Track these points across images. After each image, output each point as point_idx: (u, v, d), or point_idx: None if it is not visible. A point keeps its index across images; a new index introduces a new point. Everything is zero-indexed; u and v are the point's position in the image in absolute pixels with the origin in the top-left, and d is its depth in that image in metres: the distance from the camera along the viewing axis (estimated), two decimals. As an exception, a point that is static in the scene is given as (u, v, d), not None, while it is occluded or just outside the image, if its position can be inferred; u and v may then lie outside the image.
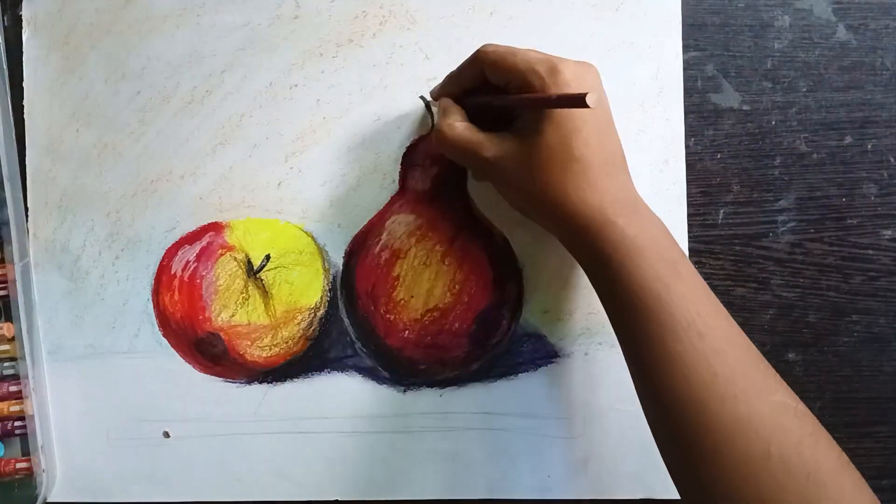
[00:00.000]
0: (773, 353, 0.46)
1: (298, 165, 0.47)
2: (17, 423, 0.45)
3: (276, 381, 0.47)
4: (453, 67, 0.46)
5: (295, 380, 0.47)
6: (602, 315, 0.46)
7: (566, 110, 0.36)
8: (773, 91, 0.47)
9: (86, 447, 0.47)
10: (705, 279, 0.46)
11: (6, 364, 0.46)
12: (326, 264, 0.46)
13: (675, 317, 0.35)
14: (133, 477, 0.47)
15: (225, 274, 0.46)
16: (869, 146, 0.47)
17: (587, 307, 0.46)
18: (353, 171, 0.47)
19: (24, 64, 0.47)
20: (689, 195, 0.46)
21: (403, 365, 0.46)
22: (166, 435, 0.47)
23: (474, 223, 0.46)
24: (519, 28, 0.46)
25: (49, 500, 0.46)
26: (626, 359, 0.38)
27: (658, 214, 0.46)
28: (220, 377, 0.47)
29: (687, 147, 0.46)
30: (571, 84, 0.36)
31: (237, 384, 0.47)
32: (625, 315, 0.37)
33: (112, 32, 0.47)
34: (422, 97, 0.46)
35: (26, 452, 0.45)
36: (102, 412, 0.47)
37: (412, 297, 0.45)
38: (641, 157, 0.46)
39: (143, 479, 0.47)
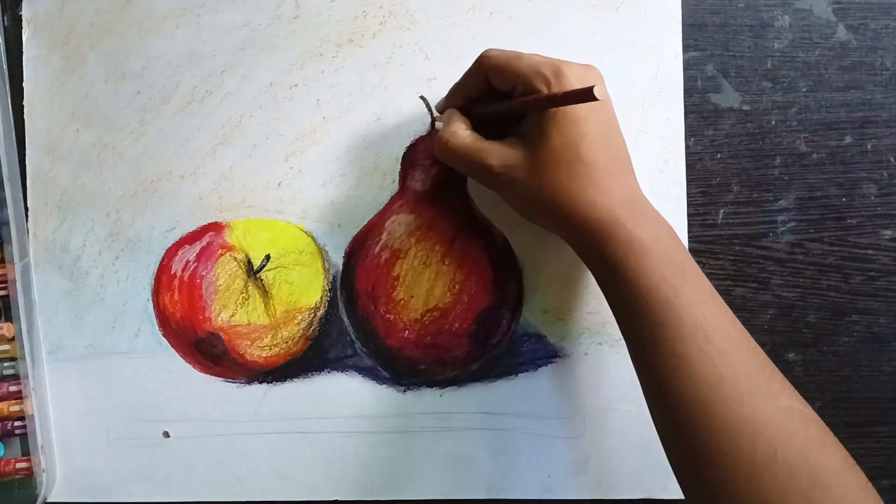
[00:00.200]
0: (773, 353, 0.46)
1: (298, 165, 0.47)
2: (17, 423, 0.45)
3: (276, 381, 0.47)
4: (453, 67, 0.46)
5: (295, 380, 0.47)
6: (602, 315, 0.46)
7: (571, 114, 0.36)
8: (773, 91, 0.47)
9: (86, 447, 0.47)
10: (705, 279, 0.46)
11: (6, 364, 0.46)
12: (326, 264, 0.46)
13: (682, 319, 0.35)
14: (133, 477, 0.47)
15: (225, 274, 0.46)
16: (869, 146, 0.47)
17: (587, 307, 0.46)
18: (353, 171, 0.47)
19: (24, 64, 0.47)
20: (689, 195, 0.46)
21: (403, 365, 0.46)
22: (166, 435, 0.47)
23: (474, 223, 0.46)
24: (519, 28, 0.46)
25: (49, 500, 0.46)
26: (632, 359, 0.38)
27: (658, 214, 0.46)
28: (220, 377, 0.47)
29: (687, 147, 0.46)
30: (576, 86, 0.36)
31: (237, 384, 0.47)
32: (632, 317, 0.37)
33: (112, 32, 0.47)
34: (422, 97, 0.46)
35: (26, 452, 0.45)
36: (102, 412, 0.47)
37: (412, 297, 0.45)
38: (641, 157, 0.46)
39: (143, 479, 0.47)
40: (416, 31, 0.46)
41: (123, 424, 0.47)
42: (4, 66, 0.47)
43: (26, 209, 0.47)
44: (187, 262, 0.46)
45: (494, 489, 0.46)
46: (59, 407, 0.47)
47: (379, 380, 0.46)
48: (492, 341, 0.46)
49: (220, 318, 0.46)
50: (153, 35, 0.47)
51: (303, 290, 0.46)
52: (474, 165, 0.39)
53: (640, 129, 0.46)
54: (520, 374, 0.46)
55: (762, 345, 0.46)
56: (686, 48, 0.46)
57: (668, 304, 0.35)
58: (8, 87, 0.47)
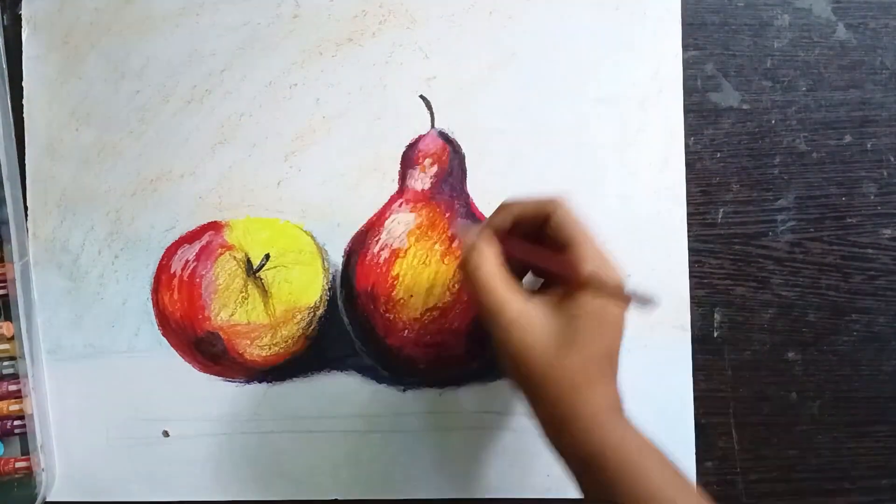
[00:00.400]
0: (773, 353, 0.46)
1: (298, 165, 0.47)
2: (16, 423, 0.45)
3: (276, 380, 0.47)
4: (453, 67, 0.46)
5: (294, 379, 0.47)
6: (602, 314, 0.46)
7: (615, 314, 0.35)
8: (773, 90, 0.47)
9: (85, 446, 0.47)
10: (705, 279, 0.46)
11: (6, 363, 0.46)
12: (326, 263, 0.46)
13: None
14: (133, 476, 0.47)
15: (224, 273, 0.46)
16: (869, 145, 0.47)
17: (587, 306, 0.46)
18: (353, 171, 0.47)
19: (24, 64, 0.47)
20: (689, 195, 0.46)
21: (403, 364, 0.46)
22: (166, 434, 0.47)
23: (474, 222, 0.46)
24: (519, 28, 0.46)
25: (49, 500, 0.46)
26: None
27: (658, 214, 0.46)
28: (219, 376, 0.47)
29: (687, 147, 0.46)
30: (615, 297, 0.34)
31: (237, 383, 0.47)
32: None
33: (112, 32, 0.47)
34: (422, 97, 0.46)
35: (26, 452, 0.45)
36: (102, 412, 0.47)
37: (411, 296, 0.45)
38: (641, 157, 0.46)
39: (143, 479, 0.47)
40: (416, 31, 0.46)
41: (123, 424, 0.47)
42: (4, 66, 0.47)
43: (26, 209, 0.47)
44: (187, 261, 0.46)
45: (494, 489, 0.46)
46: (58, 406, 0.47)
47: (379, 379, 0.46)
48: (492, 341, 0.46)
49: (219, 318, 0.46)
50: (153, 35, 0.47)
51: (302, 289, 0.46)
52: (492, 304, 0.35)
53: (640, 128, 0.46)
54: (519, 374, 0.46)
55: (762, 344, 0.46)
56: (686, 48, 0.46)
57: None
58: (8, 87, 0.47)
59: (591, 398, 0.34)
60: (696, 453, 0.46)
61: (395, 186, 0.46)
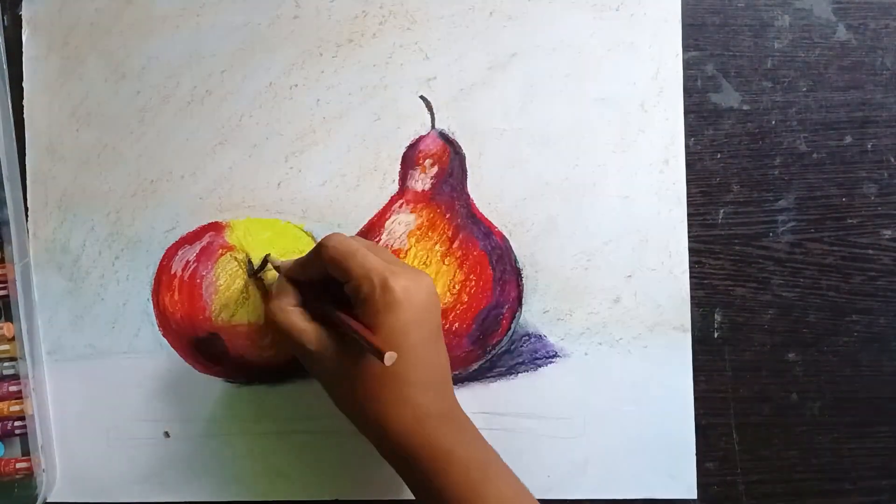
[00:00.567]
0: (773, 353, 0.46)
1: (298, 165, 0.47)
2: (17, 423, 0.45)
3: (277, 380, 0.47)
4: (453, 67, 0.46)
5: (295, 380, 0.47)
6: (602, 315, 0.46)
7: (389, 327, 0.36)
8: (773, 91, 0.47)
9: (86, 447, 0.47)
10: (705, 279, 0.46)
11: (6, 364, 0.46)
12: (326, 264, 0.46)
13: None
14: (133, 477, 0.47)
15: (225, 274, 0.46)
16: (869, 146, 0.47)
17: (587, 307, 0.46)
18: (353, 171, 0.47)
19: (24, 64, 0.47)
20: (689, 195, 0.46)
21: (403, 365, 0.46)
22: (166, 435, 0.47)
23: (474, 223, 0.46)
24: (519, 28, 0.46)
25: (49, 500, 0.46)
26: None
27: (658, 214, 0.46)
28: (220, 377, 0.47)
29: (687, 147, 0.46)
30: (401, 302, 0.36)
31: (237, 384, 0.47)
32: None
33: (112, 32, 0.47)
34: (422, 97, 0.46)
35: (26, 452, 0.45)
36: (102, 412, 0.47)
37: (412, 297, 0.45)
38: (641, 157, 0.46)
39: (143, 479, 0.47)
40: (416, 31, 0.46)
41: (123, 424, 0.47)
42: (4, 66, 0.47)
43: (26, 209, 0.47)
44: (187, 261, 0.46)
45: (494, 489, 0.46)
46: (59, 407, 0.47)
47: (379, 380, 0.46)
48: (492, 341, 0.46)
49: (220, 318, 0.46)
50: (153, 35, 0.47)
51: (303, 290, 0.46)
52: (294, 343, 0.39)
53: (640, 129, 0.46)
54: (520, 374, 0.46)
55: (762, 345, 0.46)
56: (686, 48, 0.46)
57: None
58: (8, 87, 0.47)
59: (397, 417, 0.38)
60: (697, 454, 0.46)
61: (395, 187, 0.46)
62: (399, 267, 0.38)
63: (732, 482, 0.46)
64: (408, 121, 0.46)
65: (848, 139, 0.47)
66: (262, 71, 0.47)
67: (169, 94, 0.47)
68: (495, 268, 0.46)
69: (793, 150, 0.47)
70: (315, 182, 0.47)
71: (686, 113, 0.46)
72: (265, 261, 0.46)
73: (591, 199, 0.46)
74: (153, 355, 0.47)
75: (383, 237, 0.46)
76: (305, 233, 0.47)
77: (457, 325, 0.45)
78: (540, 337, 0.46)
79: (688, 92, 0.46)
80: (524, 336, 0.46)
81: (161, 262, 0.47)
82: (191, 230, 0.47)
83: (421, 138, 0.46)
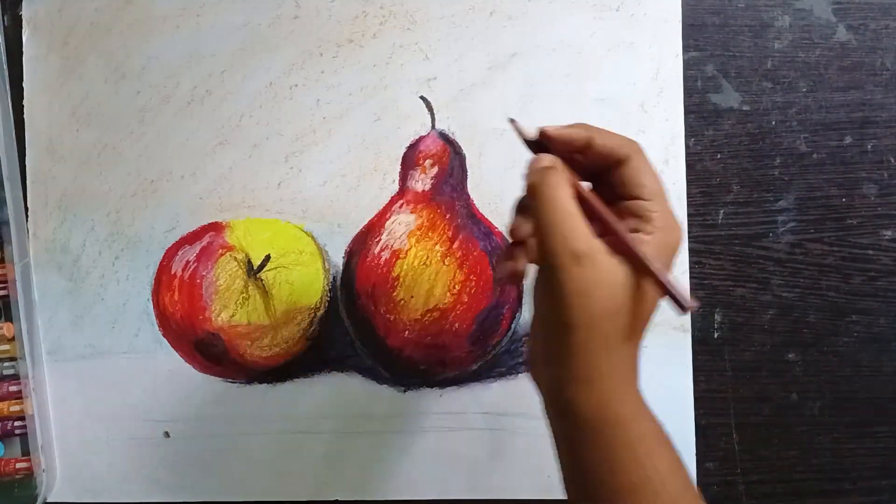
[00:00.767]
0: (773, 353, 0.46)
1: (298, 165, 0.47)
2: (17, 423, 0.45)
3: (277, 380, 0.47)
4: (453, 67, 0.46)
5: (295, 380, 0.47)
6: (602, 315, 0.46)
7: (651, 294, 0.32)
8: (773, 91, 0.47)
9: (86, 447, 0.47)
10: (705, 279, 0.46)
11: (6, 364, 0.46)
12: (326, 264, 0.46)
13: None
14: (133, 477, 0.47)
15: (225, 274, 0.46)
16: (869, 146, 0.47)
17: (587, 307, 0.46)
18: (353, 171, 0.47)
19: (24, 64, 0.47)
20: (689, 195, 0.46)
21: (403, 365, 0.46)
22: (166, 435, 0.47)
23: (474, 223, 0.46)
24: (519, 28, 0.46)
25: (49, 500, 0.46)
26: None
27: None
28: (220, 377, 0.47)
29: (687, 147, 0.46)
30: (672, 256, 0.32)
31: (237, 384, 0.47)
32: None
33: (112, 32, 0.47)
34: (422, 97, 0.46)
35: (26, 452, 0.45)
36: (102, 412, 0.47)
37: (412, 297, 0.45)
38: (641, 157, 0.46)
39: (143, 479, 0.47)
40: (416, 31, 0.46)
41: (124, 424, 0.47)
42: (4, 66, 0.47)
43: (26, 209, 0.47)
44: (187, 262, 0.46)
45: (494, 489, 0.46)
46: (59, 407, 0.47)
47: (379, 380, 0.46)
48: (492, 341, 0.46)
49: (220, 319, 0.46)
50: (153, 35, 0.47)
51: (303, 290, 0.46)
52: (562, 229, 0.31)
53: (640, 129, 0.46)
54: (520, 374, 0.46)
55: (762, 345, 0.46)
56: (686, 48, 0.46)
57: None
58: (8, 87, 0.47)
59: (628, 360, 0.33)
60: (697, 454, 0.46)
61: (395, 187, 0.46)
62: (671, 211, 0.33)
63: (732, 482, 0.46)
64: (408, 121, 0.46)
65: (848, 139, 0.47)
66: (262, 71, 0.47)
67: (169, 94, 0.47)
68: (495, 268, 0.46)
69: (793, 150, 0.47)
70: (315, 182, 0.47)
71: (686, 113, 0.46)
72: (265, 261, 0.46)
73: (591, 200, 0.46)
74: (153, 355, 0.47)
75: (384, 237, 0.46)
76: (305, 233, 0.47)
77: (457, 325, 0.45)
78: (540, 337, 0.46)
79: (688, 92, 0.46)
80: (524, 336, 0.46)
81: (161, 262, 0.47)
82: (191, 230, 0.47)
83: (421, 138, 0.46)
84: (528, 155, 0.46)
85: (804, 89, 0.47)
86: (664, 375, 0.46)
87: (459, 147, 0.46)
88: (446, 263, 0.45)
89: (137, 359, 0.47)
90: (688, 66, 0.46)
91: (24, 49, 0.47)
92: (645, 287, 0.32)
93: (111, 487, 0.47)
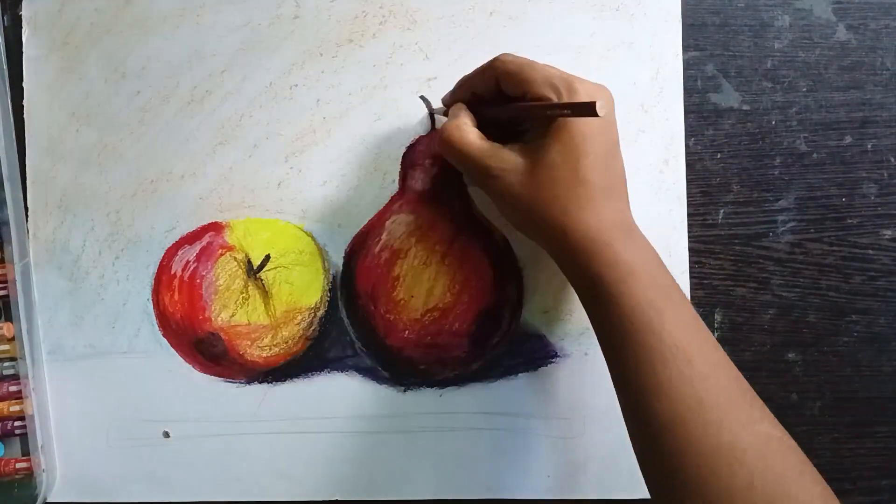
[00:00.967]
0: (773, 353, 0.46)
1: (298, 165, 0.47)
2: (16, 423, 0.45)
3: (276, 381, 0.47)
4: (453, 67, 0.46)
5: (295, 380, 0.47)
6: (602, 315, 0.46)
7: (576, 131, 0.36)
8: (773, 91, 0.47)
9: (86, 447, 0.47)
10: (705, 279, 0.46)
11: (6, 364, 0.46)
12: (326, 264, 0.46)
13: (665, 342, 0.35)
14: (133, 477, 0.47)
15: (225, 274, 0.46)
16: (869, 146, 0.47)
17: (587, 307, 0.46)
18: (353, 171, 0.47)
19: (24, 64, 0.47)
20: (689, 195, 0.46)
21: (403, 365, 0.46)
22: (166, 435, 0.47)
23: (474, 223, 0.46)
24: (519, 28, 0.46)
25: (49, 500, 0.46)
26: (613, 382, 0.38)
27: (658, 214, 0.46)
28: (220, 377, 0.47)
29: (687, 147, 0.46)
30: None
31: (237, 384, 0.47)
32: (614, 338, 0.37)
33: (112, 32, 0.47)
34: (422, 97, 0.46)
35: (26, 452, 0.45)
36: (102, 412, 0.47)
37: (412, 297, 0.45)
38: (641, 157, 0.46)
39: (143, 479, 0.47)
40: (416, 31, 0.46)
41: (123, 424, 0.47)
42: (4, 66, 0.47)
43: (26, 209, 0.47)
44: (187, 262, 0.46)
45: (494, 489, 0.46)
46: (59, 407, 0.47)
47: (379, 380, 0.46)
48: (492, 341, 0.46)
49: (220, 318, 0.46)
50: (153, 35, 0.47)
51: (303, 290, 0.46)
52: (472, 163, 0.39)
53: (640, 129, 0.46)
54: (520, 374, 0.46)
55: (762, 345, 0.46)
56: (686, 48, 0.46)
57: (651, 326, 0.35)
58: (8, 87, 0.47)
59: (580, 221, 0.37)
60: (697, 454, 0.45)
61: (395, 187, 0.46)
62: (577, 76, 0.38)
63: (732, 482, 0.46)
64: (408, 121, 0.46)
65: (848, 139, 0.47)
66: (262, 71, 0.47)
67: (169, 94, 0.47)
68: (495, 268, 0.46)
69: (793, 150, 0.47)
70: (315, 182, 0.47)
71: (686, 113, 0.46)
72: (265, 261, 0.46)
73: (591, 199, 0.46)
74: (153, 355, 0.47)
75: (384, 237, 0.46)
76: (305, 233, 0.47)
77: (457, 325, 0.45)
78: (540, 337, 0.46)
79: (688, 92, 0.46)
80: (524, 336, 0.46)
81: (161, 262, 0.47)
82: (191, 230, 0.47)
83: (421, 138, 0.46)
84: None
85: (804, 89, 0.47)
86: (664, 375, 0.46)
87: (459, 147, 0.46)
88: (446, 263, 0.45)
89: (137, 359, 0.47)
90: (688, 66, 0.46)
91: (24, 49, 0.47)
92: (563, 135, 0.37)
93: (111, 487, 0.47)
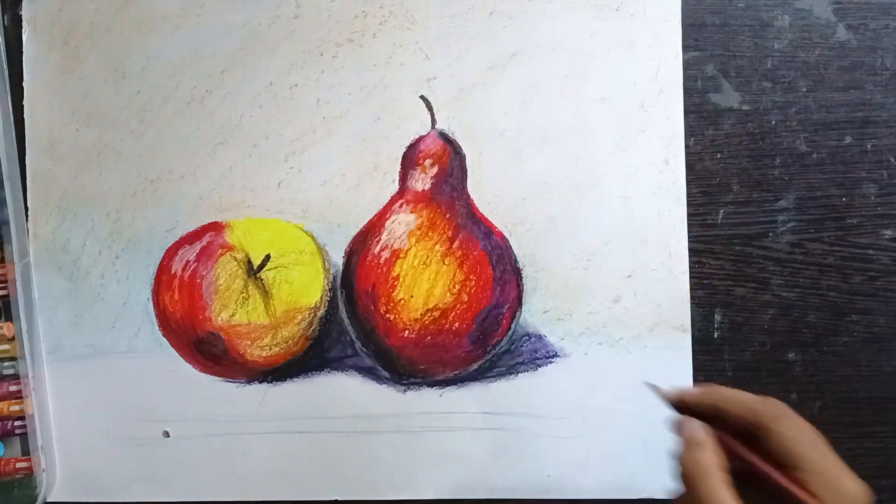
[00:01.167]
0: (773, 353, 0.46)
1: (298, 165, 0.47)
2: (17, 423, 0.45)
3: (276, 380, 0.47)
4: (453, 67, 0.46)
5: (295, 379, 0.47)
6: (602, 315, 0.46)
7: None
8: (773, 91, 0.47)
9: (86, 447, 0.47)
10: (705, 279, 0.46)
11: (6, 364, 0.46)
12: (326, 264, 0.46)
13: None
14: (133, 477, 0.47)
15: (225, 274, 0.46)
16: (869, 146, 0.47)
17: (587, 307, 0.46)
18: (353, 171, 0.47)
19: (24, 64, 0.47)
20: (689, 195, 0.46)
21: (403, 365, 0.46)
22: (166, 435, 0.47)
23: (474, 223, 0.46)
24: (519, 28, 0.46)
25: (49, 500, 0.46)
26: None
27: (658, 214, 0.46)
28: (220, 377, 0.47)
29: (687, 147, 0.46)
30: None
31: (237, 384, 0.47)
32: None
33: (112, 32, 0.47)
34: (422, 97, 0.46)
35: (26, 452, 0.45)
36: (102, 412, 0.47)
37: (412, 296, 0.45)
38: (641, 157, 0.46)
39: (143, 479, 0.47)
40: (416, 31, 0.46)
41: (123, 424, 0.47)
42: (4, 66, 0.47)
43: (26, 209, 0.47)
44: (187, 261, 0.46)
45: (494, 489, 0.46)
46: (59, 407, 0.47)
47: (379, 380, 0.46)
48: (492, 341, 0.46)
49: (220, 318, 0.46)
50: (153, 35, 0.47)
51: (303, 289, 0.46)
52: None
53: (640, 129, 0.46)
54: (520, 374, 0.46)
55: (762, 345, 0.46)
56: (686, 48, 0.46)
57: None
58: (8, 87, 0.47)
59: None
60: (697, 454, 0.45)
61: (395, 187, 0.46)
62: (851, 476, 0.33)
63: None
64: (408, 121, 0.46)
65: (848, 139, 0.47)
66: (262, 71, 0.47)
67: (169, 94, 0.47)
68: (495, 268, 0.46)
69: (793, 150, 0.47)
70: (315, 182, 0.47)
71: (686, 113, 0.46)
72: (265, 260, 0.46)
73: (591, 199, 0.46)
74: (153, 355, 0.47)
75: (384, 237, 0.46)
76: (305, 233, 0.47)
77: (457, 325, 0.45)
78: (540, 337, 0.46)
79: (688, 92, 0.46)
80: (524, 336, 0.46)
81: (161, 262, 0.47)
82: (191, 230, 0.47)
83: (421, 138, 0.46)
84: (527, 156, 0.46)
85: (804, 89, 0.47)
86: (664, 375, 0.46)
87: (459, 147, 0.46)
88: (446, 263, 0.45)
89: (137, 359, 0.47)
90: (688, 65, 0.46)
91: (24, 49, 0.47)
92: None
93: (111, 487, 0.47)
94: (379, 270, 0.45)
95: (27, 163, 0.47)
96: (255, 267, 0.46)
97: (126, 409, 0.47)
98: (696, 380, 0.46)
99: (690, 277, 0.46)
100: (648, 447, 0.45)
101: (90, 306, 0.47)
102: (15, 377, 0.45)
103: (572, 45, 0.46)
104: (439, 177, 0.46)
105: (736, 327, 0.46)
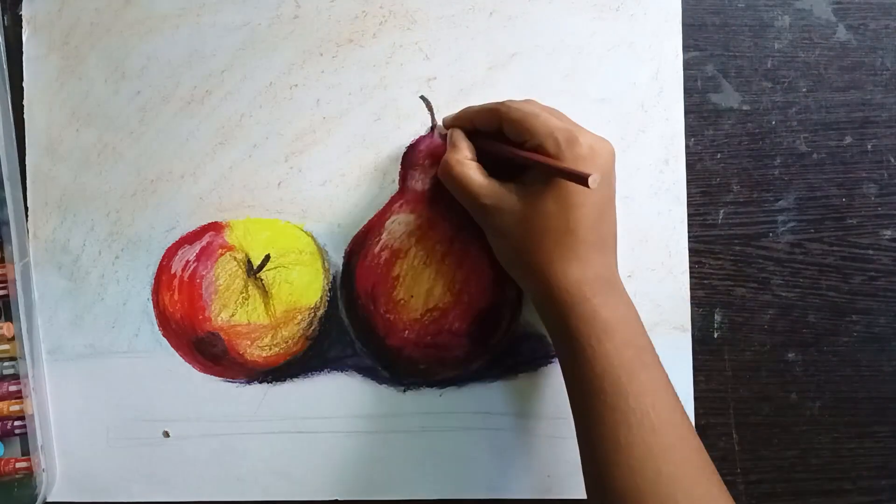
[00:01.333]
0: (773, 353, 0.46)
1: (298, 165, 0.47)
2: (16, 423, 0.45)
3: (276, 380, 0.47)
4: (453, 67, 0.46)
5: (295, 379, 0.47)
6: (602, 315, 0.46)
7: (573, 183, 0.36)
8: (773, 91, 0.47)
9: (86, 447, 0.47)
10: (705, 279, 0.46)
11: (6, 364, 0.46)
12: (326, 264, 0.46)
13: (632, 406, 0.35)
14: (133, 477, 0.47)
15: (225, 274, 0.46)
16: (869, 146, 0.47)
17: (587, 307, 0.46)
18: (353, 171, 0.47)
19: (24, 64, 0.47)
20: (689, 195, 0.46)
21: (403, 365, 0.46)
22: (166, 435, 0.47)
23: (474, 223, 0.46)
24: (519, 28, 0.46)
25: (49, 500, 0.46)
26: (577, 438, 0.38)
27: (658, 214, 0.46)
28: (220, 377, 0.47)
29: (687, 147, 0.46)
30: (586, 158, 0.37)
31: (237, 384, 0.47)
32: (584, 396, 0.37)
33: (112, 32, 0.47)
34: (422, 97, 0.46)
35: (26, 452, 0.45)
36: (102, 412, 0.47)
37: (412, 296, 0.45)
38: (641, 157, 0.46)
39: (143, 479, 0.47)
40: (416, 31, 0.46)
41: (123, 424, 0.47)
42: (4, 66, 0.47)
43: (26, 209, 0.47)
44: (187, 261, 0.46)
45: (494, 489, 0.46)
46: (58, 407, 0.47)
47: (379, 380, 0.46)
48: (492, 341, 0.46)
49: (219, 318, 0.46)
50: (153, 35, 0.47)
51: (303, 289, 0.46)
52: (471, 199, 0.40)
53: (640, 129, 0.46)
54: (520, 374, 0.46)
55: (762, 345, 0.46)
56: (686, 48, 0.46)
57: (621, 389, 0.35)
58: (8, 87, 0.47)
59: (563, 272, 0.37)
60: (697, 454, 0.45)
61: (395, 187, 0.46)
62: (581, 128, 0.38)
63: (732, 482, 0.46)
64: (408, 121, 0.46)
65: (848, 139, 0.47)
66: (262, 71, 0.47)
67: (169, 94, 0.47)
68: (495, 268, 0.46)
69: (793, 150, 0.47)
70: (315, 182, 0.47)
71: (686, 113, 0.46)
72: (265, 260, 0.46)
73: (591, 199, 0.46)
74: (153, 355, 0.47)
75: (384, 237, 0.46)
76: (305, 233, 0.47)
77: (457, 324, 0.45)
78: (540, 337, 0.46)
79: (688, 92, 0.46)
80: (524, 336, 0.46)
81: (161, 262, 0.47)
82: (191, 230, 0.47)
83: (421, 138, 0.46)
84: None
85: (804, 89, 0.47)
86: (664, 375, 0.46)
87: (459, 147, 0.46)
88: (446, 263, 0.45)
89: (137, 359, 0.47)
90: (688, 66, 0.46)
91: (24, 49, 0.47)
92: (559, 193, 0.37)
93: (111, 487, 0.47)
94: (379, 270, 0.45)
95: (27, 163, 0.47)
96: (255, 267, 0.46)
97: (126, 409, 0.47)
98: (696, 380, 0.46)
99: (690, 277, 0.46)
100: (648, 447, 0.45)
101: (90, 306, 0.47)
102: (15, 377, 0.45)
103: (572, 46, 0.46)
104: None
105: (736, 327, 0.46)
